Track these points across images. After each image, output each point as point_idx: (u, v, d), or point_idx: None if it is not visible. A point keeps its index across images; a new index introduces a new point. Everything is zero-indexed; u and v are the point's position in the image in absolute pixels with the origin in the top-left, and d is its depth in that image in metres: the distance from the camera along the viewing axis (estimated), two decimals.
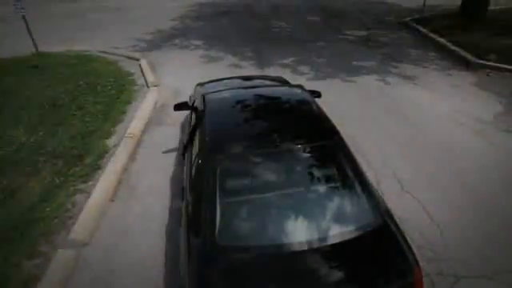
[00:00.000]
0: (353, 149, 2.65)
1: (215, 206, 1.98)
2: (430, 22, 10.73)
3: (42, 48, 8.69)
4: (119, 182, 3.99)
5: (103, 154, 4.48)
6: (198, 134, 2.79)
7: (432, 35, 9.47)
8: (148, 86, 6.66)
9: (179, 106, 4.16)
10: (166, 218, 3.40)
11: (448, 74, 7.20)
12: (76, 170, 4.12)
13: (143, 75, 7.25)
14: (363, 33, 10.36)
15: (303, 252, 1.84)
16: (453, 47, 8.29)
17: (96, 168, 4.18)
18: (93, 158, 4.37)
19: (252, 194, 2.16)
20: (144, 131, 5.19)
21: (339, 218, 2.05)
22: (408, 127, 5.09)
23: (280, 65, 7.74)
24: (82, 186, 3.85)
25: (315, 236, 1.93)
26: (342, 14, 12.88)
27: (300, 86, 3.57)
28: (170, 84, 6.83)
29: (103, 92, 6.39)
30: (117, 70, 7.61)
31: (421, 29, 10.28)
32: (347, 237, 1.92)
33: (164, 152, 4.57)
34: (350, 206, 2.13)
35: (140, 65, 7.81)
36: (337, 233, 1.94)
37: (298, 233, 1.94)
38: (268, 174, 2.25)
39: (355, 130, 4.72)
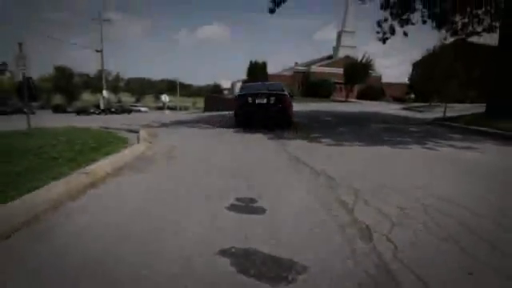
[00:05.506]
0: None
1: (240, 108, 9.07)
2: (455, 120, 10.52)
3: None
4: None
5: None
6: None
7: (459, 124, 9.40)
8: (139, 142, 5.45)
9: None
10: None
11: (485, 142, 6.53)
12: None
13: (138, 138, 6.17)
14: (394, 126, 10.06)
15: (264, 104, 8.63)
16: (483, 128, 8.12)
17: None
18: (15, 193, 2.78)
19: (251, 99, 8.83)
20: (112, 174, 3.67)
21: (274, 101, 8.64)
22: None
23: None
24: None
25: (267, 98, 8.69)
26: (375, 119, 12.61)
27: (281, 84, 10.08)
28: (165, 142, 5.61)
29: (84, 145, 5.19)
30: (110, 134, 6.65)
31: (448, 123, 10.08)
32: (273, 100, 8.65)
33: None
34: (277, 100, 8.66)
35: (139, 133, 6.85)
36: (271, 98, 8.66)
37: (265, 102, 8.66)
38: (258, 96, 8.73)
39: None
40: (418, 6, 13.12)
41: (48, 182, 3.03)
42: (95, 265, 1.83)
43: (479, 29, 12.41)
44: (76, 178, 3.14)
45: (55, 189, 2.82)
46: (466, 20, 12.52)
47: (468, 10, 12.25)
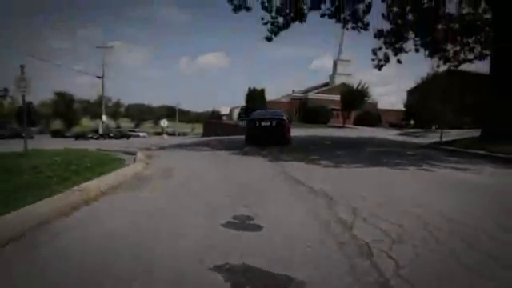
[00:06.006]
0: None
1: (250, 129, 11.13)
2: (451, 144, 10.57)
3: None
4: None
5: None
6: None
7: (456, 148, 9.38)
8: (135, 162, 5.41)
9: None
10: None
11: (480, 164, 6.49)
12: None
13: (134, 159, 6.13)
14: (390, 149, 10.14)
15: (269, 126, 10.70)
16: (478, 151, 8.11)
17: None
18: None
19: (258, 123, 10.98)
20: (106, 193, 3.60)
21: (275, 124, 10.73)
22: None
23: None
24: None
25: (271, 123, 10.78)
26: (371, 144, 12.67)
27: (281, 111, 12.73)
28: (162, 163, 5.57)
29: (79, 166, 5.13)
30: (107, 156, 6.60)
31: (444, 147, 10.21)
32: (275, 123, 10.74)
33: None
34: (279, 124, 10.75)
35: (136, 154, 6.82)
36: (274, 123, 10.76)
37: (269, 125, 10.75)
38: (262, 121, 10.82)
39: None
40: (410, 35, 13.61)
41: (40, 199, 2.97)
42: (82, 281, 1.74)
43: (471, 56, 12.81)
44: (68, 196, 3.08)
45: (46, 206, 2.75)
46: (458, 48, 12.95)
47: (458, 38, 12.70)
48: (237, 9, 11.93)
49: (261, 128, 10.67)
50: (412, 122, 35.88)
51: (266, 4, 12.11)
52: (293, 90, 59.49)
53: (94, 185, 3.57)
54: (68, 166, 5.04)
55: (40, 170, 4.57)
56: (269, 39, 12.90)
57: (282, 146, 10.00)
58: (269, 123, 10.69)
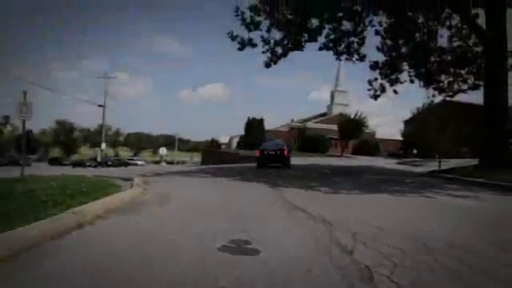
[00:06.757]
0: None
1: (261, 156, 15.11)
2: (450, 172, 10.62)
3: None
4: None
5: None
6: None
7: (455, 176, 9.41)
8: (132, 187, 5.35)
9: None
10: None
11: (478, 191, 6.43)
12: None
13: (131, 184, 6.07)
14: (389, 177, 10.02)
15: (273, 154, 14.77)
16: (477, 179, 8.11)
17: None
18: None
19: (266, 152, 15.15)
20: (101, 216, 3.53)
21: (279, 153, 14.71)
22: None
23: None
24: None
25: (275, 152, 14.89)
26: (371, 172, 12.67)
27: (282, 141, 17.51)
28: (160, 189, 5.52)
29: (75, 190, 5.06)
30: (104, 182, 6.53)
31: (443, 175, 10.12)
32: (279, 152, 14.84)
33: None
34: (281, 153, 14.74)
35: (133, 180, 6.77)
36: (278, 151, 14.84)
37: (274, 153, 14.82)
38: (269, 151, 15.02)
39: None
40: (405, 66, 14.05)
41: (32, 221, 2.90)
42: None
43: (465, 87, 13.14)
44: (62, 219, 3.01)
45: (36, 229, 2.68)
46: (451, 79, 13.32)
47: (451, 70, 13.10)
48: (243, 47, 12.31)
49: (268, 156, 14.81)
50: (415, 151, 35.70)
51: (265, 36, 12.60)
52: (291, 120, 60.31)
53: (88, 209, 3.51)
54: (64, 190, 4.96)
55: (35, 195, 4.49)
56: (267, 65, 13.30)
57: (283, 168, 13.86)
58: (274, 152, 14.84)
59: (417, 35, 13.23)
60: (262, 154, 15.01)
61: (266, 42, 12.69)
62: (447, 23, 12.88)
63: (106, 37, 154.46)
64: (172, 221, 3.54)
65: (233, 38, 12.21)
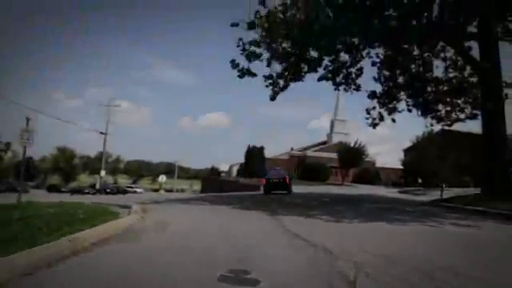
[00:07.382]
0: None
1: (266, 184, 17.77)
2: (451, 201, 10.48)
3: None
4: None
5: None
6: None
7: (456, 205, 9.23)
8: (129, 214, 5.28)
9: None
10: None
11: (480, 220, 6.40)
12: None
13: (129, 212, 5.99)
14: (391, 206, 10.00)
15: (277, 182, 17.38)
16: (478, 208, 8.01)
17: None
18: None
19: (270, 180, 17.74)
20: (97, 244, 3.46)
21: (281, 180, 17.40)
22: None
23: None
24: None
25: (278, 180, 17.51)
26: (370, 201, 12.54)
27: (283, 170, 19.97)
28: (158, 216, 5.44)
29: (72, 217, 4.99)
30: (102, 209, 6.44)
31: (445, 204, 10.14)
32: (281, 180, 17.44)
33: None
34: (283, 181, 17.33)
35: (131, 208, 6.68)
36: (280, 179, 17.46)
37: (277, 181, 17.47)
38: (273, 179, 17.71)
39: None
40: (402, 96, 14.30)
41: (25, 248, 2.83)
42: None
43: (462, 116, 13.30)
44: (57, 246, 2.94)
45: (31, 256, 2.61)
46: (449, 108, 13.51)
47: (448, 99, 13.33)
48: (243, 75, 12.68)
49: (273, 183, 17.40)
50: (420, 180, 34.99)
51: (268, 71, 13.12)
52: (291, 148, 60.45)
53: (84, 236, 3.44)
54: (60, 217, 4.89)
55: (31, 221, 4.42)
56: (272, 98, 13.68)
57: (284, 195, 15.02)
58: (277, 180, 17.47)
59: (413, 66, 13.61)
60: (267, 182, 17.65)
61: (268, 77, 13.16)
62: (442, 55, 13.29)
63: (108, 67, 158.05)
64: (169, 249, 3.46)
65: (234, 66, 12.58)
